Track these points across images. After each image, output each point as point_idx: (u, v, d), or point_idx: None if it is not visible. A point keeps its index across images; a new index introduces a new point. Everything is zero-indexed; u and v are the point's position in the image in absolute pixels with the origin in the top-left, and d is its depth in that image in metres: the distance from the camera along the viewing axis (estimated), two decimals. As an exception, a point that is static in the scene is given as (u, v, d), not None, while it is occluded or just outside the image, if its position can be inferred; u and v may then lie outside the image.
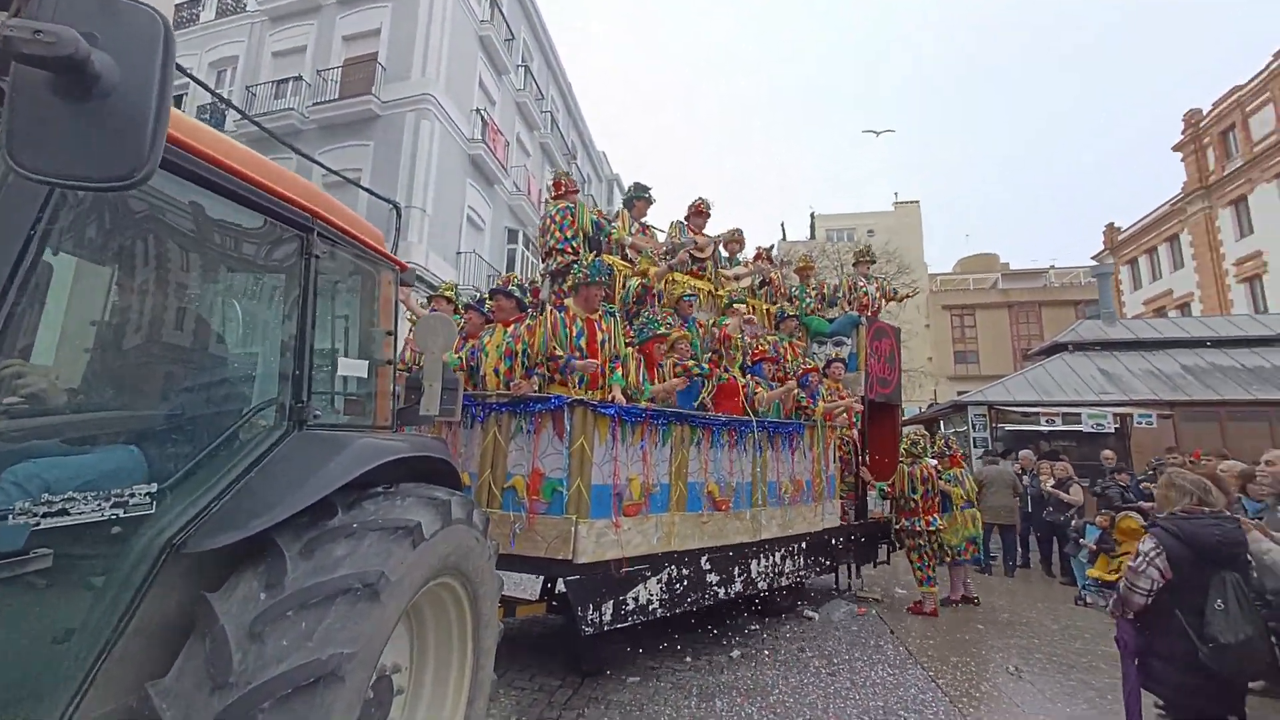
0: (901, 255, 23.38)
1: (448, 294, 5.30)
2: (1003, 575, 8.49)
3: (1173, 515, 2.72)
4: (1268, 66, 20.41)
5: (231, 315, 2.08)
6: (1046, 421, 10.60)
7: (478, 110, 15.10)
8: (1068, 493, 7.79)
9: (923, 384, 22.26)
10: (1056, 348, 13.90)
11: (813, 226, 37.08)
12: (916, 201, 38.02)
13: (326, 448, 1.92)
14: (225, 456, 1.75)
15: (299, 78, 13.98)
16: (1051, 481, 8.09)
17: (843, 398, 6.28)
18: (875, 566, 7.07)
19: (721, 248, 6.37)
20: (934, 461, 6.67)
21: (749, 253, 6.97)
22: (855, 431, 6.57)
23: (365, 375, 2.47)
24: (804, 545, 5.46)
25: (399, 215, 12.89)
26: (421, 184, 12.92)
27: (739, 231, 6.54)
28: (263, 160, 1.90)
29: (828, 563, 5.98)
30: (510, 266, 16.13)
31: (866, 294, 7.48)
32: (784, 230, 34.52)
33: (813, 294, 7.58)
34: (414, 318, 4.62)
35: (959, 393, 16.50)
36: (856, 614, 6.20)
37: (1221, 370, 11.97)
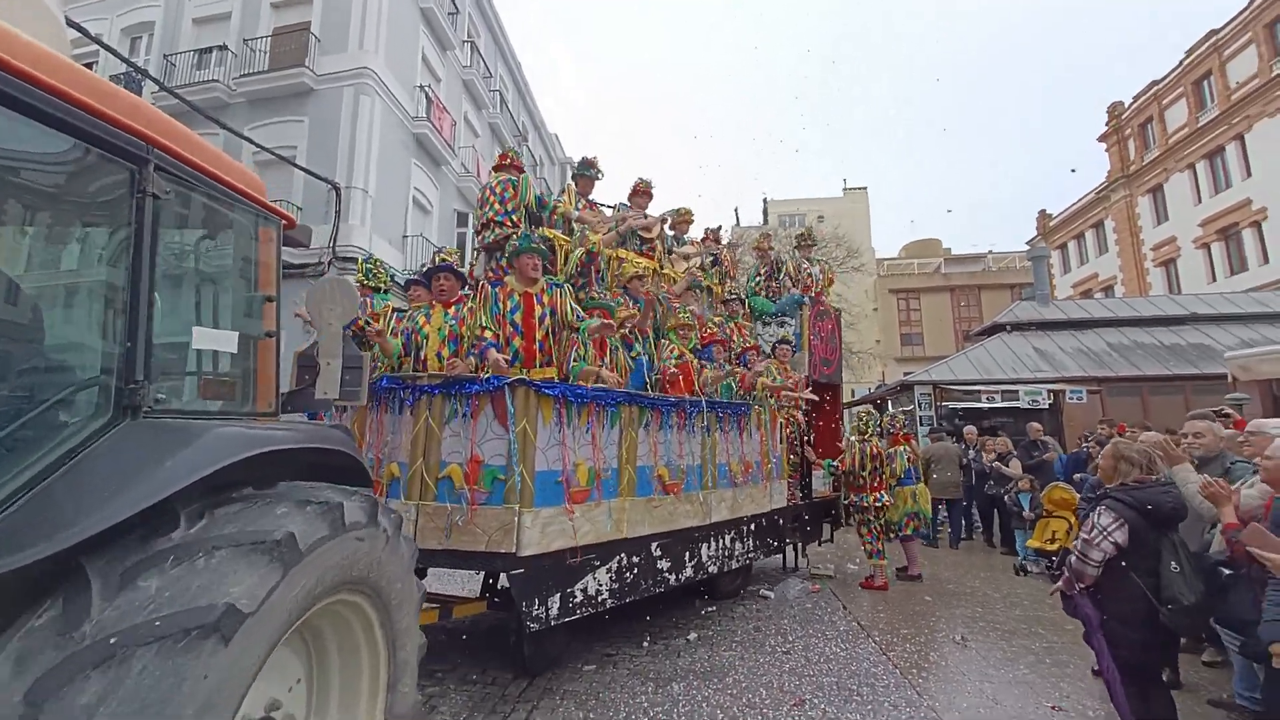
0: (850, 239, 23.90)
1: (359, 278, 4.91)
2: (948, 548, 8.82)
3: (1124, 486, 2.79)
4: (1181, 63, 21.68)
5: (29, 270, 1.62)
6: (987, 399, 11.09)
7: (421, 87, 14.46)
8: (1007, 466, 8.14)
9: (871, 365, 22.97)
10: (995, 328, 14.53)
11: (765, 211, 37.53)
12: (864, 188, 39.08)
13: (166, 440, 1.55)
14: (14, 454, 1.34)
15: (224, 47, 13.01)
16: (993, 456, 8.44)
17: (790, 379, 6.30)
18: (821, 544, 7.22)
19: (668, 227, 6.27)
20: (882, 440, 6.82)
21: (697, 233, 6.89)
22: (799, 412, 6.65)
23: (235, 351, 2.02)
24: (753, 527, 5.43)
25: (339, 196, 12.14)
26: (363, 163, 12.29)
27: (687, 210, 6.44)
28: (76, 68, 1.49)
29: (776, 543, 5.97)
30: (461, 250, 15.62)
31: (811, 275, 7.57)
32: (737, 215, 34.78)
33: (764, 273, 7.61)
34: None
35: (905, 373, 17.06)
36: (810, 591, 6.32)
37: (1143, 348, 12.77)
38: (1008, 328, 14.14)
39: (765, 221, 36.08)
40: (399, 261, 12.99)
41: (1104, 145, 26.38)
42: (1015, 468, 8.03)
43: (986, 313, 27.61)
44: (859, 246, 24.42)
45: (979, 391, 11.24)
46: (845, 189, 39.16)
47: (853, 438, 6.51)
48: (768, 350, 6.56)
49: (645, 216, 5.68)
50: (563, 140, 27.69)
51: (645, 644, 4.57)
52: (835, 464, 6.61)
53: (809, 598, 6.11)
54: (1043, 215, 30.63)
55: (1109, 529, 2.68)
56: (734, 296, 6.59)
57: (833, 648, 4.57)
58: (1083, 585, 2.80)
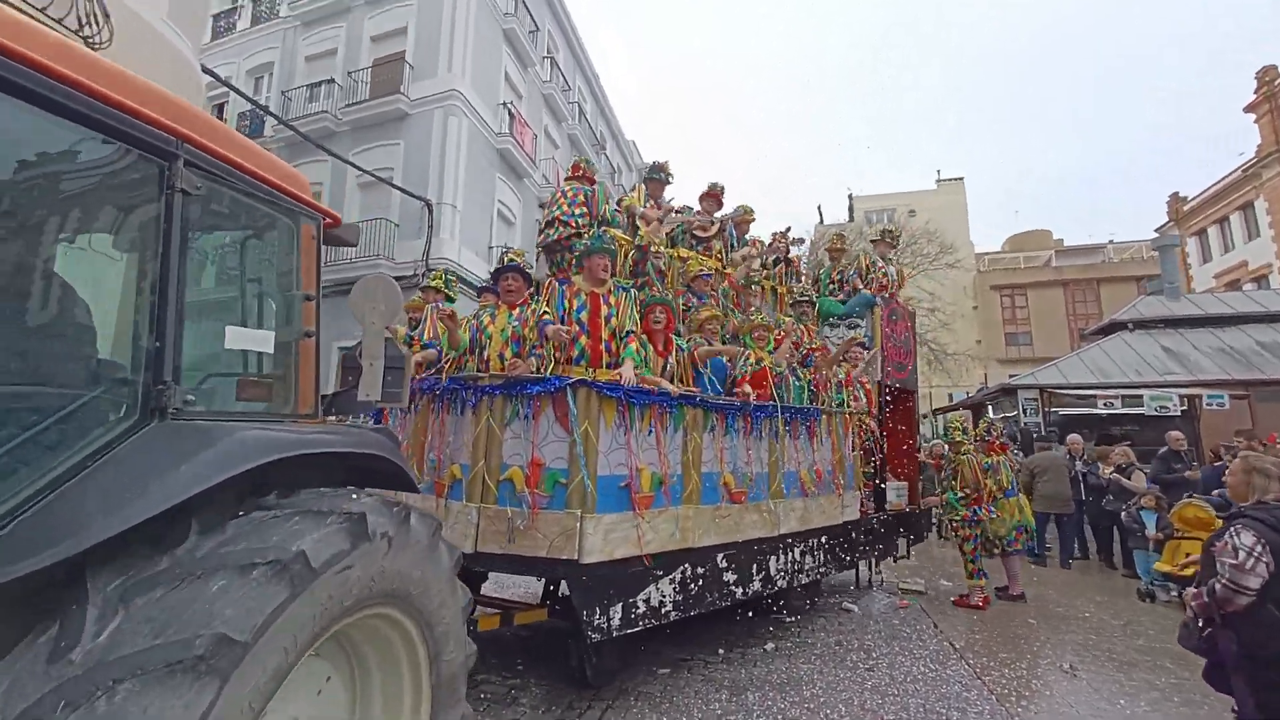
0: (944, 235, 22.40)
1: (436, 284, 4.89)
2: (1058, 567, 8.04)
3: (1261, 504, 2.45)
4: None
5: (59, 268, 1.57)
6: (1104, 404, 9.98)
7: (504, 104, 15.12)
8: (1129, 479, 7.30)
9: (969, 368, 21.35)
10: (1114, 326, 13.11)
11: (851, 208, 35.99)
12: (960, 178, 36.48)
13: (189, 443, 1.49)
14: (40, 456, 1.32)
15: (331, 80, 14.26)
16: (1112, 468, 7.59)
17: (864, 384, 5.90)
18: (897, 560, 6.77)
19: (732, 227, 6.05)
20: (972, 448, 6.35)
21: (763, 234, 6.61)
22: (873, 420, 6.23)
23: (271, 351, 1.98)
24: (824, 540, 5.12)
25: (431, 212, 12.97)
26: (451, 180, 13.02)
27: (748, 209, 6.20)
28: (110, 67, 1.49)
29: (848, 558, 5.62)
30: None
31: (886, 275, 7.03)
32: (820, 213, 33.54)
33: (838, 276, 7.20)
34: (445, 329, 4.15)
35: (1010, 375, 15.74)
36: (898, 607, 5.97)
37: (1304, 346, 11.03)
38: (1129, 325, 12.69)
39: (851, 219, 34.63)
40: (485, 271, 13.65)
41: (1253, 116, 23.12)
42: (1138, 481, 7.19)
43: (1107, 309, 24.94)
44: (953, 241, 22.85)
45: (1094, 396, 10.14)
46: (939, 180, 36.80)
47: (961, 451, 6.00)
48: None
49: (698, 218, 5.58)
50: (640, 147, 28.01)
51: (720, 651, 4.50)
52: (953, 480, 6.00)
53: (896, 614, 5.77)
54: (1175, 199, 27.26)
55: (1254, 550, 2.32)
56: (805, 298, 6.29)
57: (920, 667, 4.28)
58: (1222, 614, 2.45)
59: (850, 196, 36.69)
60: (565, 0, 19.23)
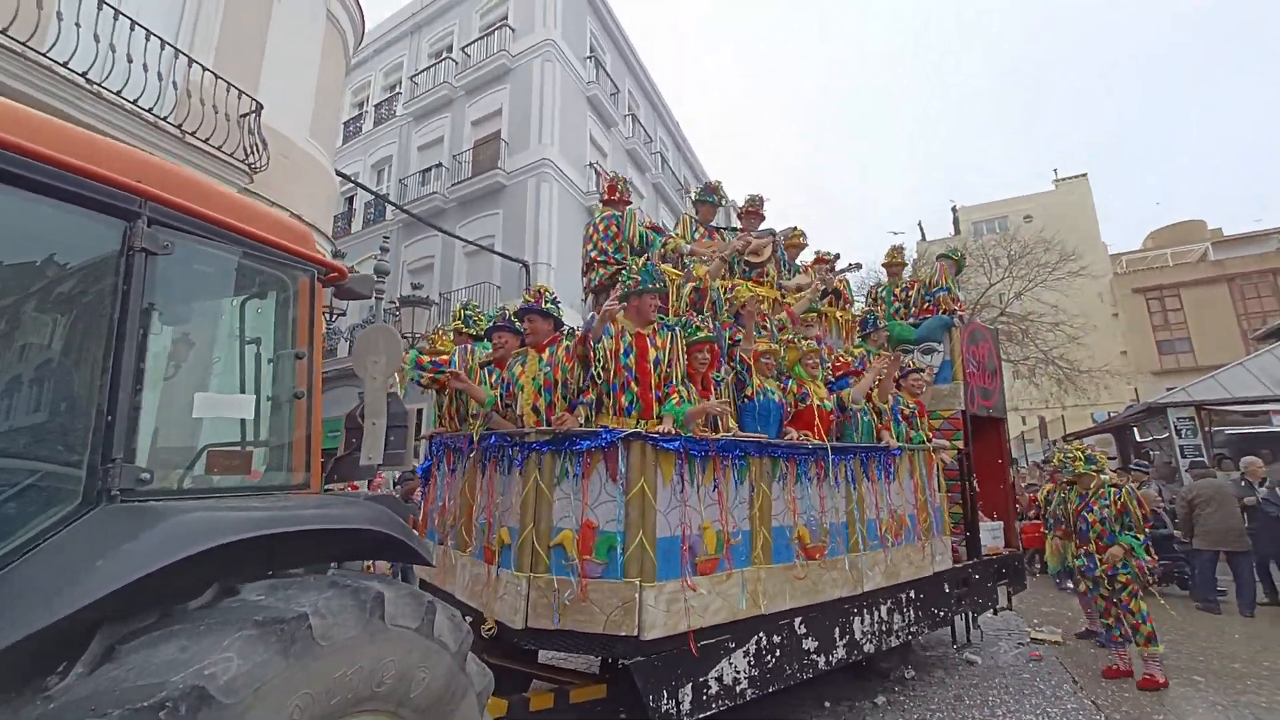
0: (1067, 239, 20.37)
1: (456, 324, 4.50)
2: (1237, 615, 6.87)
3: None
4: None
5: (2, 338, 1.46)
6: (1282, 420, 8.53)
7: (591, 165, 16.13)
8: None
9: (1110, 385, 18.89)
10: (1291, 327, 11.21)
11: (956, 221, 33.85)
12: (1084, 175, 33.17)
13: (121, 530, 1.35)
14: None
15: (439, 164, 16.01)
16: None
17: (922, 415, 5.13)
18: (996, 613, 5.85)
19: (782, 250, 5.65)
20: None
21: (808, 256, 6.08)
22: (958, 453, 5.52)
23: (250, 416, 1.84)
24: (913, 594, 4.56)
25: (528, 272, 14.01)
26: (546, 241, 14.02)
27: (798, 232, 5.79)
28: (59, 126, 1.44)
29: (942, 613, 4.94)
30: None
31: (949, 293, 6.33)
32: (922, 229, 31.75)
33: (900, 296, 6.56)
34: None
35: (1167, 389, 13.84)
36: (1030, 658, 5.41)
37: None
38: (1310, 324, 10.81)
39: (956, 231, 32.59)
40: (578, 321, 14.38)
41: None
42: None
43: (1288, 304, 21.31)
44: (1079, 246, 20.73)
45: (1268, 412, 8.70)
46: (1057, 180, 33.74)
47: (1118, 484, 5.07)
48: None
49: (749, 241, 5.14)
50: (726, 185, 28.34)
51: (826, 704, 4.34)
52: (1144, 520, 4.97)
53: (1027, 666, 5.23)
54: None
55: None
56: (879, 325, 5.87)
57: (1054, 730, 3.89)
58: None
59: (954, 209, 34.59)
60: (644, 61, 20.35)
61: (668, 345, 3.52)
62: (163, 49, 6.38)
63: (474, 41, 16.53)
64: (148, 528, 1.37)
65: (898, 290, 6.67)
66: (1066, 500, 5.51)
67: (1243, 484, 7.26)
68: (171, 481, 1.67)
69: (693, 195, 5.56)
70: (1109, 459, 5.92)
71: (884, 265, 7.02)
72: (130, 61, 6.02)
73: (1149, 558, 4.82)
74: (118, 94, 5.99)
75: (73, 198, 1.42)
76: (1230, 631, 6.22)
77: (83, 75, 5.73)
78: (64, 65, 5.62)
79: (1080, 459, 5.17)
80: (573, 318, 14.39)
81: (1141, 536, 4.80)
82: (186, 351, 1.84)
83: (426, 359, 4.19)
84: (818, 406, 4.24)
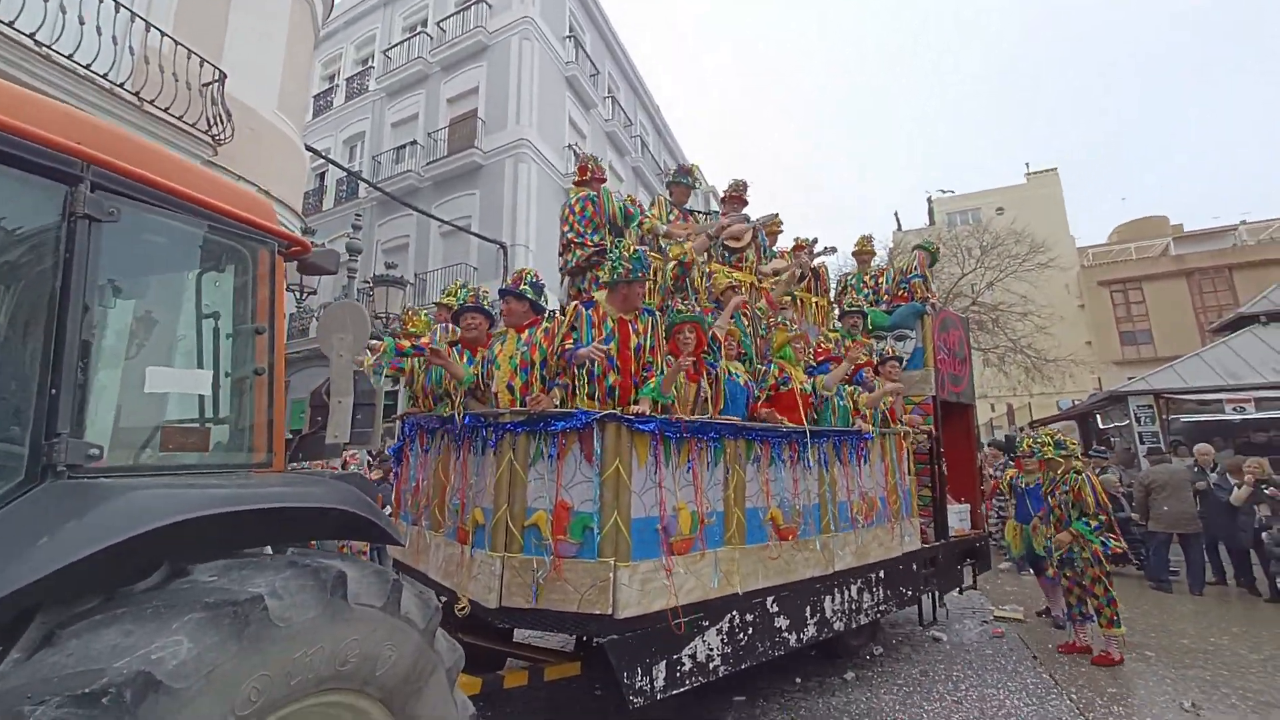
0: (1038, 232, 20.84)
1: (449, 301, 4.40)
2: (1187, 594, 7.19)
3: None
4: None
5: None
6: (1234, 409, 8.89)
7: (569, 146, 15.90)
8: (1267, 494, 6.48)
9: (1075, 374, 19.48)
10: (1244, 320, 11.64)
11: (930, 212, 34.34)
12: (1054, 169, 33.91)
13: (68, 508, 1.31)
14: None
15: (414, 142, 15.62)
16: (1251, 482, 6.74)
17: (917, 400, 5.34)
18: (962, 592, 6.12)
19: (763, 235, 5.62)
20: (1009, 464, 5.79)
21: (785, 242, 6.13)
22: (928, 436, 5.65)
23: (206, 393, 1.78)
24: (883, 574, 4.67)
25: (505, 253, 13.76)
26: (524, 222, 13.83)
27: (776, 218, 5.79)
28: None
29: (910, 592, 5.07)
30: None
31: (924, 281, 6.43)
32: (898, 219, 32.09)
33: (870, 284, 6.66)
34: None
35: (1129, 379, 14.30)
36: (992, 635, 5.59)
37: None
38: (1261, 319, 11.24)
39: (931, 222, 33.06)
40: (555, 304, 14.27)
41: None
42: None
43: (1245, 299, 22.14)
44: (1048, 239, 21.21)
45: (1221, 401, 9.07)
46: (1029, 174, 34.40)
47: (1072, 471, 5.12)
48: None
49: (728, 224, 5.15)
50: (705, 171, 28.32)
51: (798, 680, 4.43)
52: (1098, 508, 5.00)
53: (990, 643, 5.41)
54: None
55: None
56: (855, 309, 5.91)
57: (1015, 701, 4.03)
58: None
59: (929, 199, 35.07)
60: (624, 42, 20.05)
61: (648, 330, 3.52)
62: (117, 11, 6.06)
63: (450, 16, 16.08)
64: (95, 505, 1.32)
65: (867, 278, 6.77)
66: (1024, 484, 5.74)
67: (1195, 470, 7.57)
68: (125, 459, 1.61)
69: (668, 178, 5.52)
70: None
71: (854, 254, 7.10)
72: (82, 24, 5.70)
73: (1112, 541, 4.91)
74: (69, 58, 5.69)
75: (7, 159, 1.34)
76: (1180, 609, 6.52)
77: (30, 36, 5.42)
78: (9, 25, 5.31)
79: (1049, 444, 5.29)
80: (552, 300, 14.27)
81: (1094, 523, 4.91)
82: (139, 325, 1.78)
83: (406, 344, 4.13)
84: (800, 390, 4.28)
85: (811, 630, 3.96)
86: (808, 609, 3.95)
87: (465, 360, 3.80)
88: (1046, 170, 34.04)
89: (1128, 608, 6.14)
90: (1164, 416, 9.55)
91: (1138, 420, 9.71)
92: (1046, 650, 5.15)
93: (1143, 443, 9.54)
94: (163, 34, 6.54)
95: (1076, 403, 15.32)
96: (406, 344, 4.12)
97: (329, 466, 4.10)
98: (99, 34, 5.82)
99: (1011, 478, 6.40)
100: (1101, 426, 11.56)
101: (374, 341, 4.00)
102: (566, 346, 3.36)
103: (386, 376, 4.15)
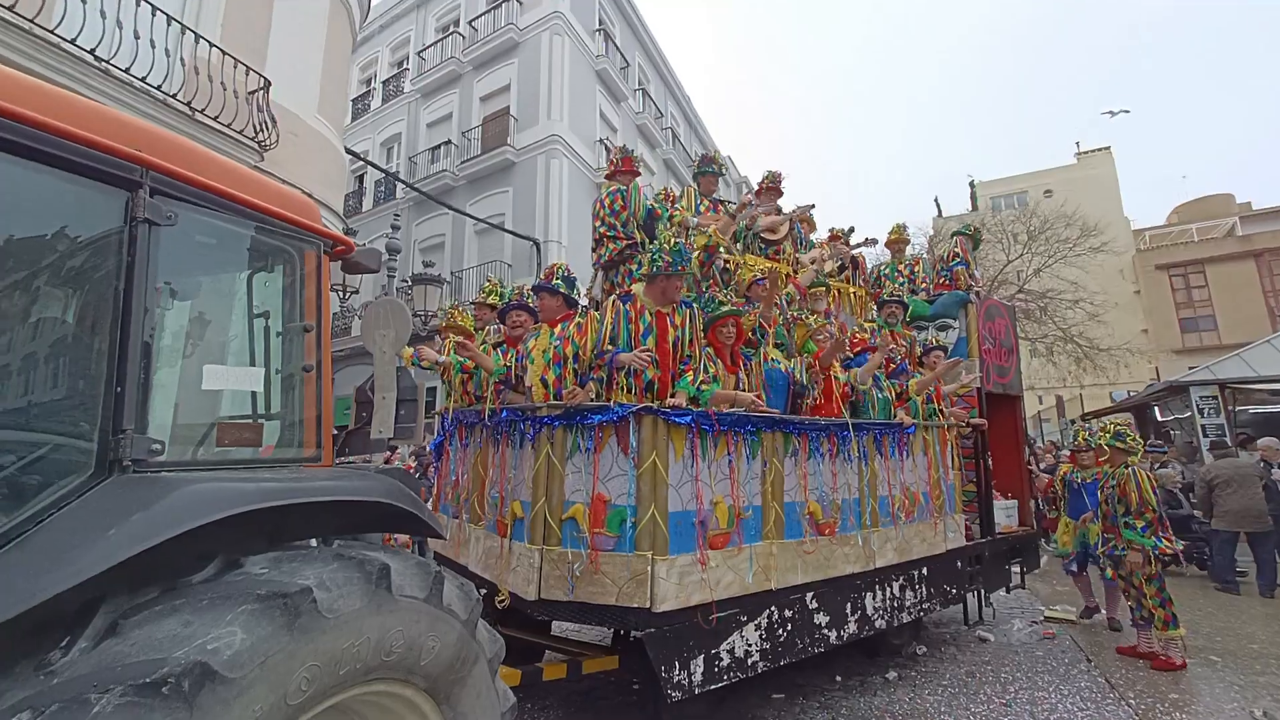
0: (1089, 215, 19.85)
1: (491, 301, 4.49)
2: (1257, 596, 6.79)
3: None
4: None
5: (8, 310, 1.45)
6: (1310, 399, 8.32)
7: (601, 140, 15.91)
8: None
9: (1130, 364, 18.51)
10: (1322, 303, 10.85)
11: (973, 195, 33.03)
12: (1107, 148, 32.20)
13: (133, 500, 1.36)
14: None
15: (448, 141, 15.87)
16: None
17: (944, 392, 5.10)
18: (1009, 591, 5.87)
19: (799, 226, 5.50)
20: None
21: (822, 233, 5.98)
22: (973, 429, 5.43)
23: (261, 389, 1.85)
24: (926, 571, 4.55)
25: (539, 250, 13.89)
26: (556, 218, 13.91)
27: (810, 209, 5.63)
28: (54, 92, 1.42)
29: (955, 590, 4.90)
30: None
31: (967, 268, 6.19)
32: (939, 205, 30.97)
33: (905, 273, 6.43)
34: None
35: (1189, 369, 13.55)
36: (1043, 636, 5.39)
37: None
38: (1342, 300, 10.46)
39: (974, 207, 31.87)
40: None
41: None
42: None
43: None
44: (1100, 221, 20.19)
45: (1296, 389, 8.49)
46: (1079, 154, 32.79)
47: (1127, 464, 4.87)
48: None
49: (775, 213, 5.07)
50: (737, 161, 27.94)
51: (839, 678, 4.36)
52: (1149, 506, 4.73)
53: (1040, 644, 5.22)
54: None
55: None
56: (895, 299, 5.74)
57: (1069, 705, 3.89)
58: None
59: (972, 183, 33.74)
60: (654, 33, 19.91)
61: (685, 323, 3.51)
62: (169, 25, 6.32)
63: (481, 15, 16.24)
64: (159, 498, 1.37)
65: (901, 267, 6.57)
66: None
67: (1261, 464, 7.13)
68: (183, 454, 1.67)
69: (693, 169, 5.45)
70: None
71: (888, 244, 6.85)
72: (137, 38, 5.98)
73: (1163, 540, 4.65)
74: (126, 71, 5.96)
75: (73, 167, 1.40)
76: (1249, 612, 6.16)
77: (90, 52, 5.70)
78: (71, 42, 5.59)
79: (1109, 432, 5.01)
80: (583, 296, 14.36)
81: (1139, 523, 4.67)
82: (195, 324, 1.84)
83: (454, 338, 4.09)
84: (835, 379, 4.18)
85: (852, 627, 3.90)
86: (848, 606, 3.89)
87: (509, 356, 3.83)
88: (1099, 149, 32.37)
89: (1190, 610, 5.87)
90: (1230, 408, 8.99)
91: (1200, 412, 9.16)
92: (1103, 653, 4.94)
93: (1206, 435, 9.02)
94: (210, 45, 6.80)
95: (1132, 394, 14.58)
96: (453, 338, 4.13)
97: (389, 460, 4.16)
98: (153, 47, 6.08)
99: (1065, 474, 6.15)
100: (1160, 419, 10.98)
101: (441, 359, 4.07)
102: (607, 349, 3.35)
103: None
